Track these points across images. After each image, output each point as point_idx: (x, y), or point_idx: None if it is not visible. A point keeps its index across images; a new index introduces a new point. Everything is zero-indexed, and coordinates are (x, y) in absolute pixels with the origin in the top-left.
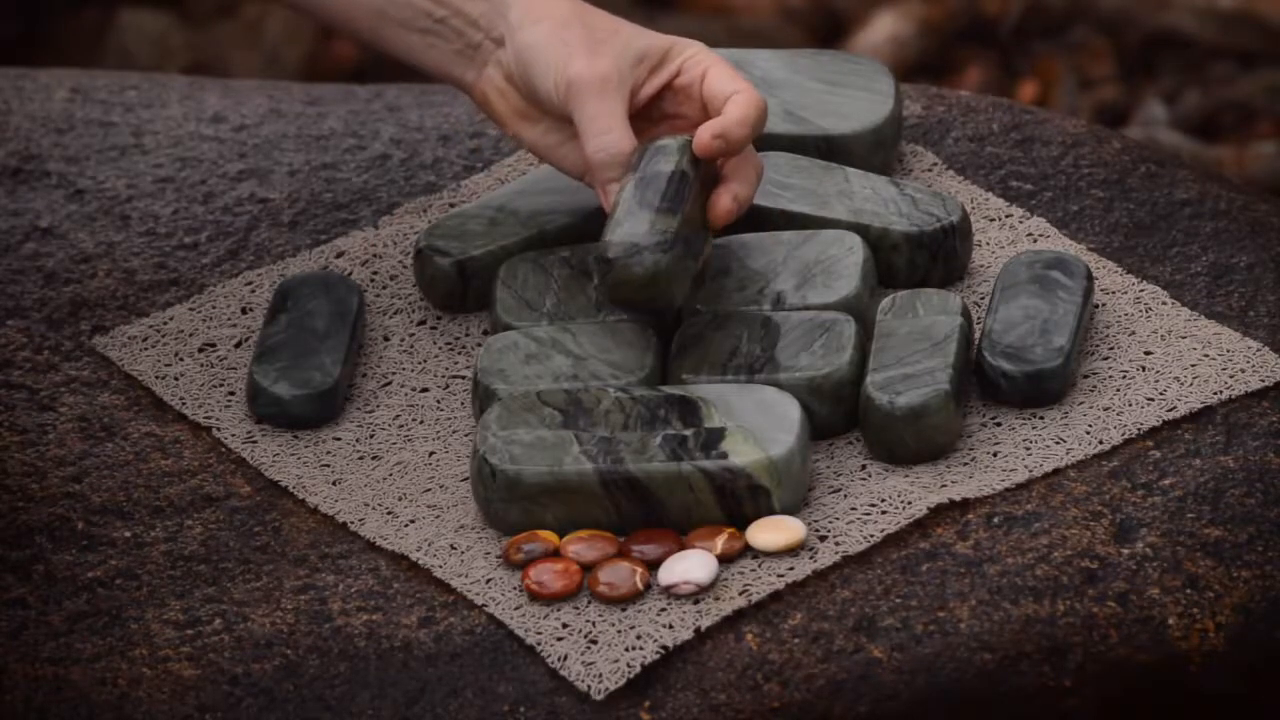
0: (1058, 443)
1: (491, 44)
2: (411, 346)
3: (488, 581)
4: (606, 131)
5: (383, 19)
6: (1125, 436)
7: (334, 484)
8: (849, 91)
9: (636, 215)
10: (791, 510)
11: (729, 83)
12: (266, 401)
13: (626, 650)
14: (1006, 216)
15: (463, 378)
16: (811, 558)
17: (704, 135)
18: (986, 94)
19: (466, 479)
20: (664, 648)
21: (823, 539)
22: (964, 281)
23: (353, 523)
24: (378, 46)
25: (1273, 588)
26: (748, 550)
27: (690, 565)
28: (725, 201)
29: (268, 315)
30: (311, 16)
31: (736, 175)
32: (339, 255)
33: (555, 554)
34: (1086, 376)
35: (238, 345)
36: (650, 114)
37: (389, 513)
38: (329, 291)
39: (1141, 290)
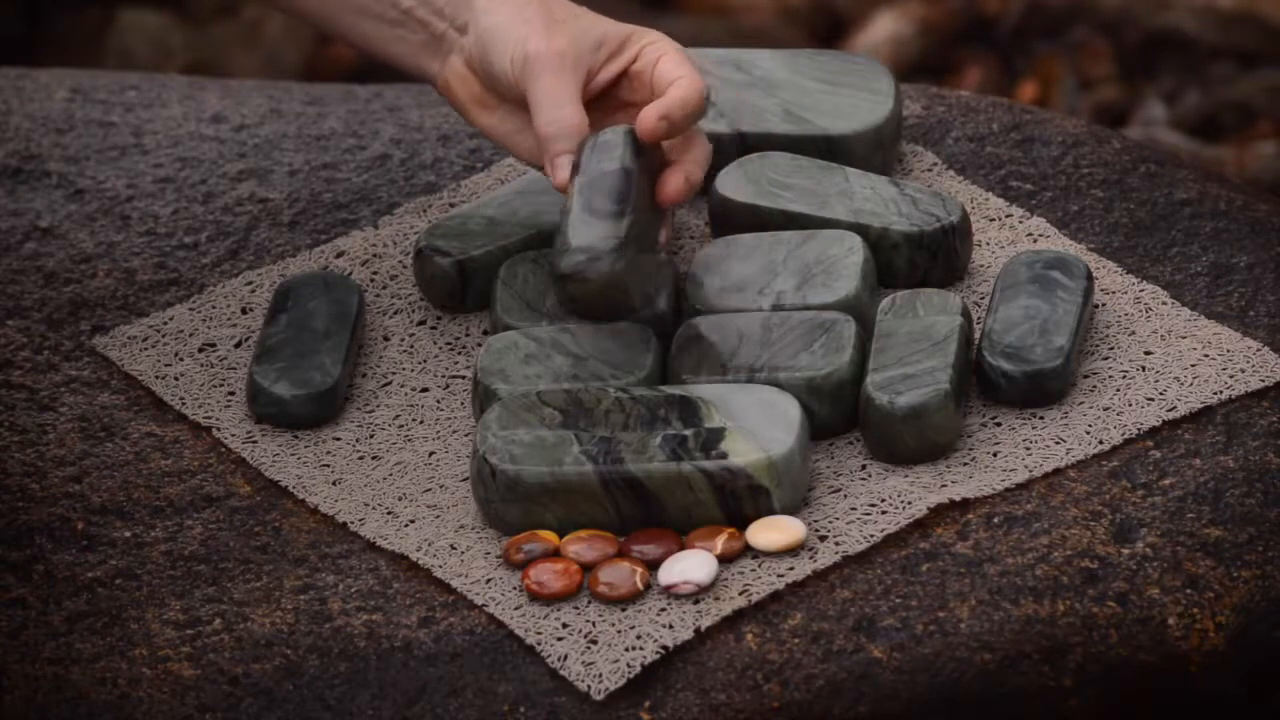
0: (1058, 443)
1: (455, 32)
2: (411, 346)
3: (488, 581)
4: (558, 106)
5: (351, 11)
6: (1125, 436)
7: (334, 484)
8: (849, 91)
9: (585, 223)
10: (791, 510)
11: (675, 68)
12: (267, 401)
13: (626, 650)
14: (1006, 216)
15: (463, 378)
16: (811, 558)
17: (649, 117)
18: (986, 94)
19: (466, 479)
20: (664, 648)
21: (823, 539)
22: (964, 281)
23: (353, 523)
24: (346, 39)
25: (1273, 588)
26: (748, 550)
27: (690, 565)
28: (676, 181)
29: (268, 315)
30: (284, 12)
31: (686, 156)
32: (339, 255)
33: (555, 554)
34: (1086, 376)
35: (238, 345)
36: (607, 101)
37: (389, 513)
38: (329, 291)
39: (1141, 290)
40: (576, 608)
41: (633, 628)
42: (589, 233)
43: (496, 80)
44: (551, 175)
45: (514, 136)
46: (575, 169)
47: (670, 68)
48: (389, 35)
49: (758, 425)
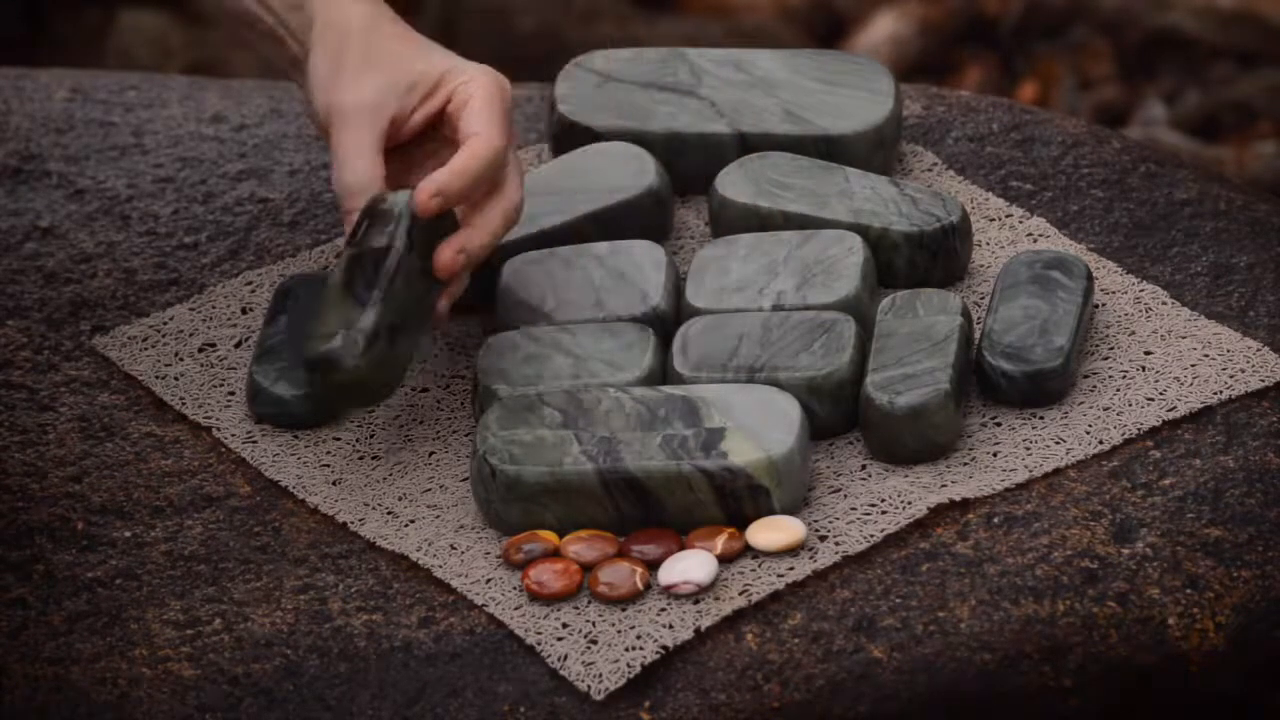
0: (1058, 443)
1: (305, 54)
2: None
3: (488, 581)
4: (344, 163)
5: (233, 20)
6: (1125, 436)
7: (334, 484)
8: (849, 91)
9: (338, 309)
10: (791, 510)
11: (473, 121)
12: (266, 401)
13: (626, 650)
14: (1006, 216)
15: (463, 378)
16: (811, 558)
17: (422, 194)
18: (986, 94)
19: (466, 479)
20: (664, 648)
21: (823, 539)
22: (964, 281)
23: (353, 523)
24: (249, 49)
25: (1273, 588)
26: (748, 550)
27: (690, 565)
28: (446, 255)
29: (268, 315)
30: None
31: (476, 220)
32: (339, 255)
33: (555, 554)
34: (1086, 376)
35: (238, 345)
36: (423, 142)
37: (389, 513)
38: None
39: (1141, 290)
40: (576, 608)
41: (633, 628)
42: (339, 319)
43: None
44: (346, 231)
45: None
46: (353, 233)
47: (469, 121)
48: (264, 46)
49: (758, 425)
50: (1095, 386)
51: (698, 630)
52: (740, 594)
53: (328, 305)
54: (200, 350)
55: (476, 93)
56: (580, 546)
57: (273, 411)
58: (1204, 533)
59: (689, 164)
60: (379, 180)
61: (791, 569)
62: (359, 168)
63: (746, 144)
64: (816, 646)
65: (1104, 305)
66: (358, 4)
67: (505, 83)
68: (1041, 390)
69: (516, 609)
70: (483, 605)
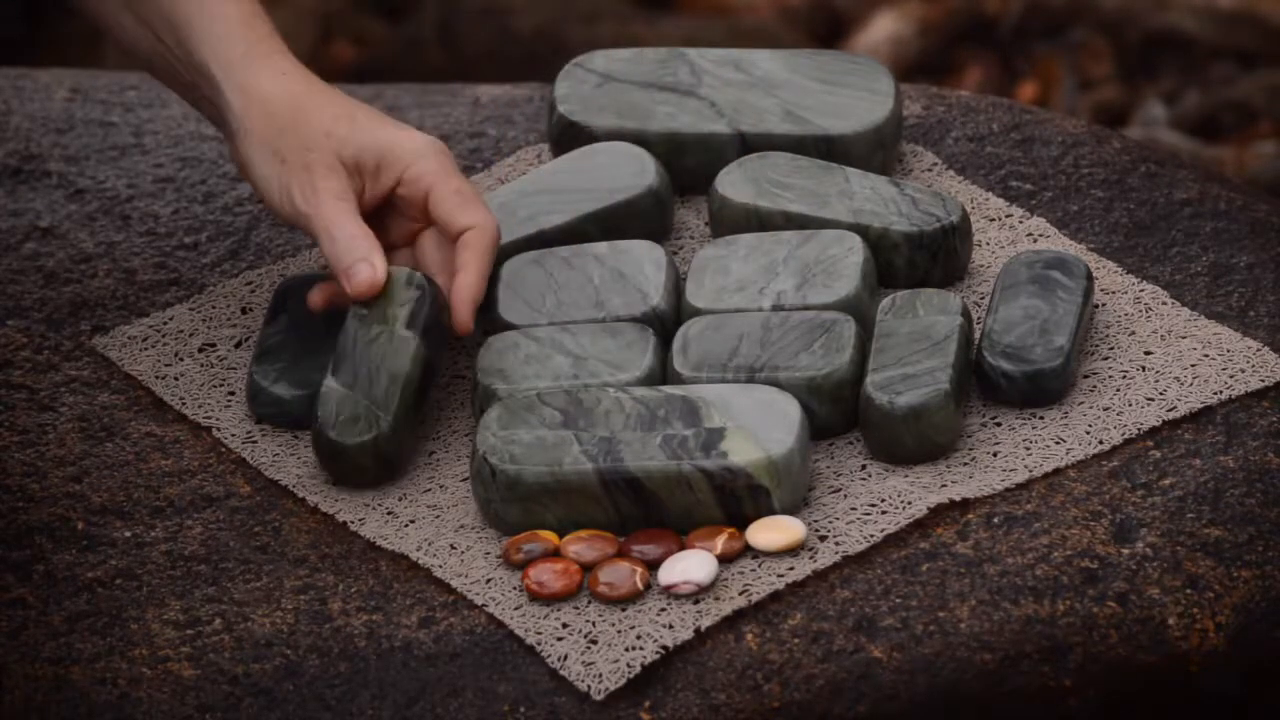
0: (1058, 443)
1: (228, 129)
2: None
3: (488, 581)
4: (338, 228)
5: (154, 65)
6: (1125, 436)
7: (334, 484)
8: (849, 91)
9: (352, 400)
10: (791, 510)
11: (458, 213)
12: (266, 401)
13: (626, 650)
14: (1006, 216)
15: (463, 378)
16: (811, 558)
17: (462, 316)
18: (986, 94)
19: (466, 479)
20: (664, 648)
21: (823, 539)
22: (964, 281)
23: (353, 523)
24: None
25: (1273, 588)
26: (748, 550)
27: (690, 565)
28: (465, 314)
29: (268, 315)
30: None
31: (466, 261)
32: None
33: (555, 554)
34: (1086, 376)
35: (238, 345)
36: (382, 212)
37: (389, 513)
38: None
39: (1141, 290)
40: (576, 608)
41: (633, 628)
42: (353, 407)
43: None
44: (347, 285)
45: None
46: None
47: (450, 213)
48: (189, 97)
49: (758, 425)
50: (1095, 386)
51: (698, 630)
52: (740, 594)
53: (328, 393)
54: (200, 350)
55: (432, 179)
56: (580, 546)
57: (272, 412)
58: (1204, 533)
59: (689, 164)
60: (372, 237)
61: (791, 569)
62: (354, 235)
63: (746, 144)
64: (816, 646)
65: (1104, 305)
66: (267, 78)
67: (442, 147)
68: (1041, 390)
69: (516, 609)
70: (483, 605)
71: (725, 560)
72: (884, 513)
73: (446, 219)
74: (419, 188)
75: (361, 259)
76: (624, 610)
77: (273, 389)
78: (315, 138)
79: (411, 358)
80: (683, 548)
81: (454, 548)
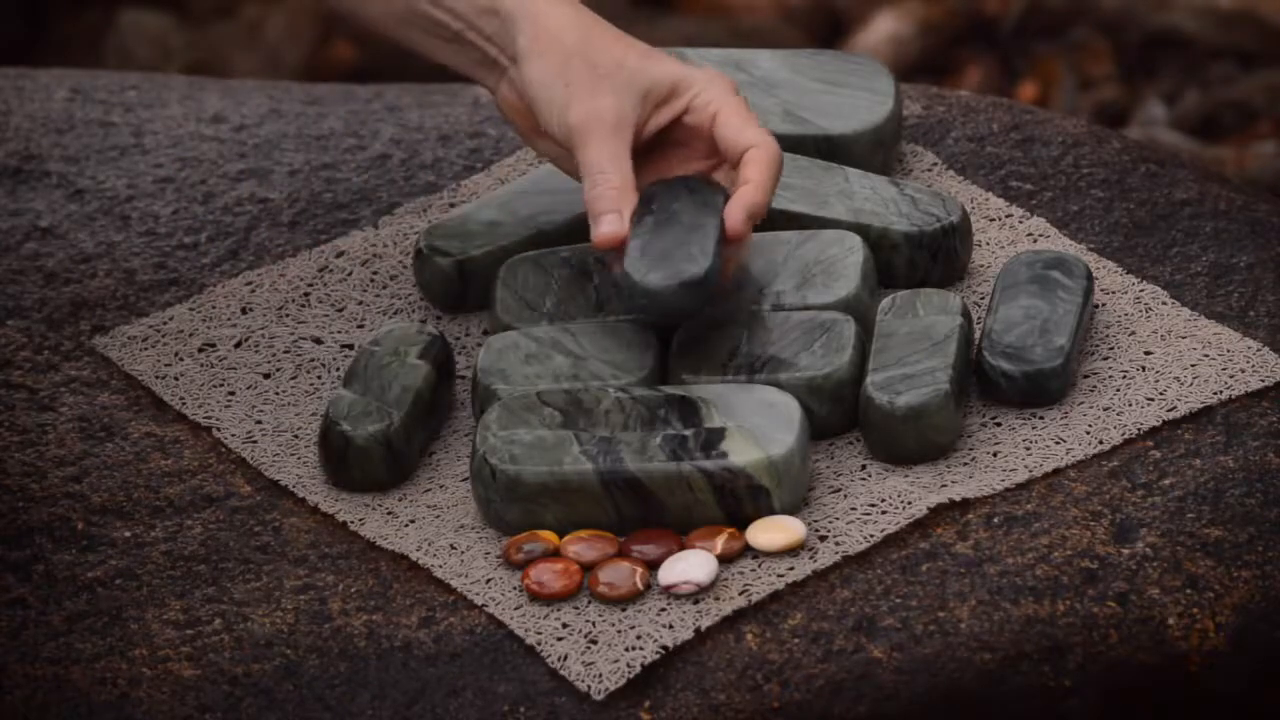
0: (1058, 443)
1: (507, 60)
2: None
3: (488, 581)
4: (603, 172)
5: (409, 26)
6: (1125, 436)
7: (340, 487)
8: (849, 91)
9: (364, 402)
10: (791, 510)
11: (743, 131)
12: (638, 295)
13: (626, 650)
14: (1006, 216)
15: (463, 378)
16: (811, 558)
17: (735, 219)
18: (986, 94)
19: (466, 479)
20: (664, 648)
21: (823, 539)
22: (964, 281)
23: (353, 523)
24: (410, 50)
25: (1273, 588)
26: (748, 550)
27: (690, 565)
28: (739, 218)
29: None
30: (345, 20)
31: (749, 176)
32: (339, 255)
33: (555, 554)
34: (1086, 376)
35: (238, 345)
36: (658, 144)
37: (389, 513)
38: (692, 194)
39: (1141, 290)
40: (576, 608)
41: (633, 628)
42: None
43: (547, 132)
44: (594, 230)
45: (569, 162)
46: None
47: (738, 132)
48: (446, 50)
49: (758, 425)
50: (1095, 386)
51: (698, 630)
52: (740, 594)
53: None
54: (200, 350)
55: (721, 103)
56: (580, 546)
57: (643, 304)
58: (1204, 533)
59: None
60: (630, 186)
61: (791, 569)
62: (613, 176)
63: None
64: (816, 646)
65: (1104, 305)
66: (560, 8)
67: (732, 81)
68: (1041, 390)
69: (516, 609)
70: (483, 605)
71: (725, 560)
72: (884, 513)
73: (733, 138)
74: (706, 113)
75: (612, 210)
76: (624, 610)
77: (644, 281)
78: (608, 66)
79: (423, 377)
80: (683, 548)
81: (454, 548)
